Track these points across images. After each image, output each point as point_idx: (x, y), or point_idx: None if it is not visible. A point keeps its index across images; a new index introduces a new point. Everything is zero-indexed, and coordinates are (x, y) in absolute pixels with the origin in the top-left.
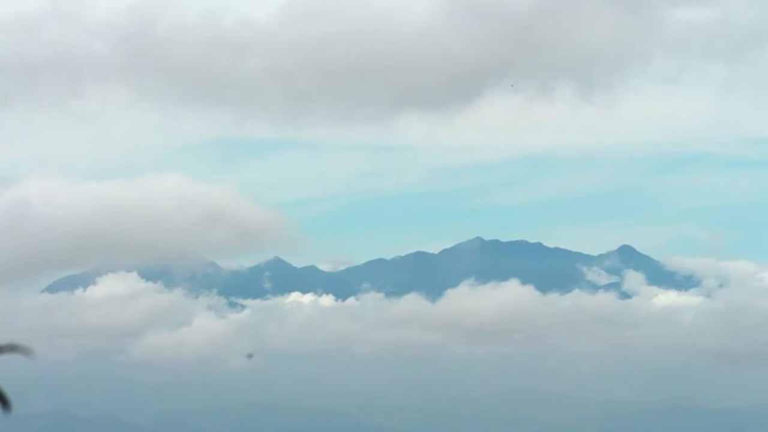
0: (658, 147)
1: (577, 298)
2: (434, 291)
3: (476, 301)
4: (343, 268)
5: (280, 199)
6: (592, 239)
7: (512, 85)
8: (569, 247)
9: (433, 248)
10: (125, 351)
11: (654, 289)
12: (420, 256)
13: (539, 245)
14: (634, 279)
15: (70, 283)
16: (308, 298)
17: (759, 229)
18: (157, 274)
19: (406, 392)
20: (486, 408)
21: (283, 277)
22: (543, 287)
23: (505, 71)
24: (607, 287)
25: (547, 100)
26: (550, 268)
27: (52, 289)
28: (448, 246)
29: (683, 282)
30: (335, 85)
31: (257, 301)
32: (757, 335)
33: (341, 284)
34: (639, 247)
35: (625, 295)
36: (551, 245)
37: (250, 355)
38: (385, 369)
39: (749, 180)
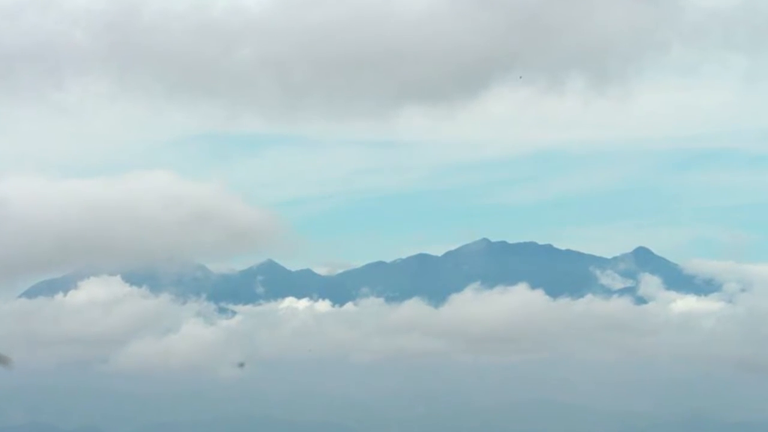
0: (675, 142)
1: (589, 303)
2: (437, 296)
3: (482, 306)
4: (340, 271)
5: (273, 197)
6: (605, 241)
7: (521, 77)
8: (581, 249)
9: (437, 250)
10: (108, 360)
11: (672, 293)
12: (422, 259)
13: (549, 247)
14: (650, 283)
15: (50, 288)
16: (303, 303)
17: None
18: (143, 277)
19: (407, 403)
20: (492, 420)
21: (277, 281)
22: (553, 292)
23: (512, 62)
24: (622, 292)
25: (558, 93)
26: (561, 272)
27: (30, 293)
28: (453, 248)
29: (703, 286)
30: (332, 76)
31: (249, 307)
32: None
33: (338, 289)
34: (655, 249)
35: (641, 301)
36: (562, 247)
37: (241, 364)
38: (385, 379)
39: None
